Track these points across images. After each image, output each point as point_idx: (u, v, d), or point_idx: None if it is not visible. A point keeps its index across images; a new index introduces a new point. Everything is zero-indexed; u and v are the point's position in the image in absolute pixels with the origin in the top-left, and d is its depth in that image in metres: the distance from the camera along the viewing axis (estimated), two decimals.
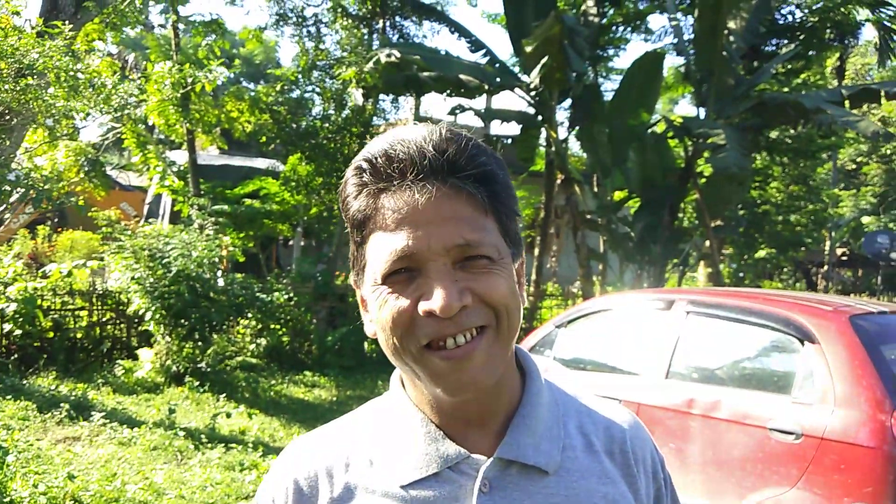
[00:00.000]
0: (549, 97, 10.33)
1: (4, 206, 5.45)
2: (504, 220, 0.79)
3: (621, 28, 15.59)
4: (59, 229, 16.72)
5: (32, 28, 4.63)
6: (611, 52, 15.98)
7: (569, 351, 4.93)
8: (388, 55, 8.81)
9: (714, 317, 4.06)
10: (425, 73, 9.58)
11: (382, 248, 0.75)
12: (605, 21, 13.90)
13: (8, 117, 4.52)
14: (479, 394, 0.77)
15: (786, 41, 16.05)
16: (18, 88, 4.05)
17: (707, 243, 15.88)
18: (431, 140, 0.76)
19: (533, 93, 10.63)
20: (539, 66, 9.12)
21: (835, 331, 3.46)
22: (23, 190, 5.66)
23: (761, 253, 15.00)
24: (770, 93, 9.94)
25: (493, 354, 0.76)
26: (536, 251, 11.96)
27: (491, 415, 0.82)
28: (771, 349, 3.77)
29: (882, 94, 9.74)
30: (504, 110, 11.03)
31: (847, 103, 9.89)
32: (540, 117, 10.54)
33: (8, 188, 4.69)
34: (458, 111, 9.78)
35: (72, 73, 4.29)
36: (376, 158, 0.76)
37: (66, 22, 5.59)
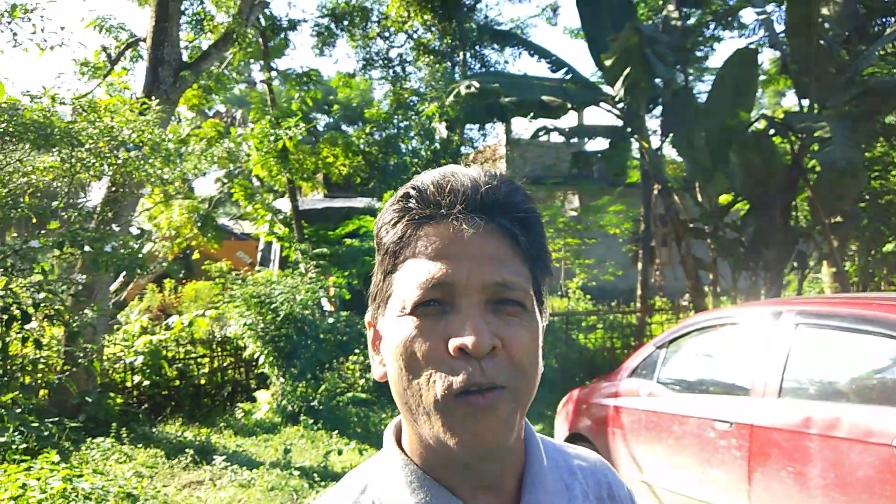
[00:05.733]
0: (636, 107, 10.08)
1: (125, 272, 5.91)
2: (538, 274, 0.78)
3: (713, 26, 15.05)
4: (184, 281, 17.87)
5: (129, 105, 5.06)
6: (703, 52, 15.45)
7: (673, 372, 4.74)
8: (468, 86, 8.92)
9: (826, 327, 3.79)
10: (506, 99, 9.62)
11: (417, 275, 0.72)
12: (693, 22, 13.48)
13: (114, 189, 4.92)
14: (495, 452, 0.71)
15: (893, 19, 14.93)
16: (119, 162, 4.45)
17: (831, 241, 14.83)
18: (483, 178, 0.76)
19: (620, 105, 10.41)
20: (622, 79, 8.95)
21: None
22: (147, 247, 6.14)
23: (890, 246, 13.79)
24: (876, 78, 9.23)
25: (513, 412, 0.71)
26: (640, 265, 11.61)
27: (504, 477, 0.78)
28: (892, 359, 3.46)
29: None
30: (591, 126, 10.87)
31: None
32: (629, 129, 10.31)
33: (139, 259, 5.07)
34: (541, 132, 9.74)
35: (164, 144, 4.67)
36: (426, 187, 0.75)
37: (167, 92, 6.06)
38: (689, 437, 4.32)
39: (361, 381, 9.03)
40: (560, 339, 11.02)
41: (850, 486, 3.33)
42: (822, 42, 9.47)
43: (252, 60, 12.56)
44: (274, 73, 11.84)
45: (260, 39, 11.24)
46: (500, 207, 0.75)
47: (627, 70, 8.85)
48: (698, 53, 15.38)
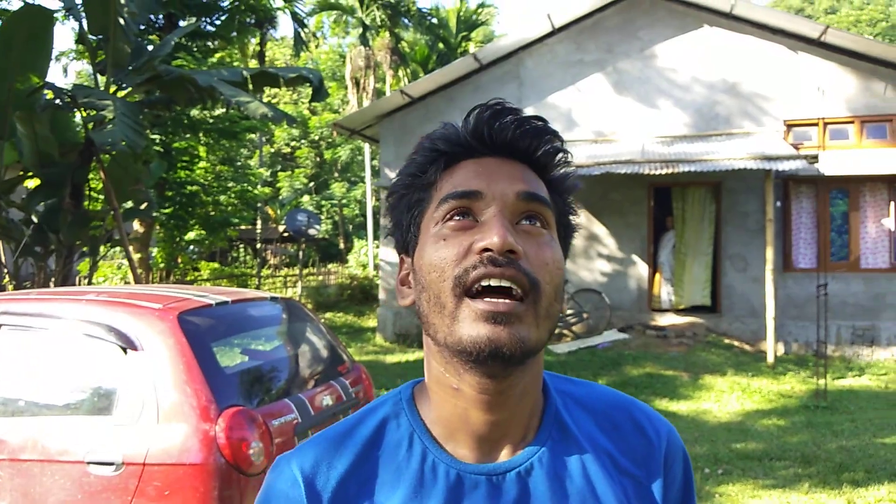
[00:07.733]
0: None
1: None
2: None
3: None
4: None
5: None
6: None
7: None
8: None
9: (28, 328, 3.20)
10: None
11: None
12: None
13: None
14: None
15: (207, 18, 15.95)
16: None
17: (136, 226, 14.83)
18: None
19: None
20: None
21: (161, 332, 2.98)
22: None
23: (192, 234, 14.70)
24: (167, 67, 9.40)
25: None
26: None
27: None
28: (94, 363, 3.09)
29: (280, 78, 10.26)
30: None
31: (251, 85, 10.13)
32: None
33: None
34: None
35: None
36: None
37: None
38: None
39: None
40: None
41: None
42: (121, 19, 9.11)
43: None
44: None
45: None
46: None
47: None
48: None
